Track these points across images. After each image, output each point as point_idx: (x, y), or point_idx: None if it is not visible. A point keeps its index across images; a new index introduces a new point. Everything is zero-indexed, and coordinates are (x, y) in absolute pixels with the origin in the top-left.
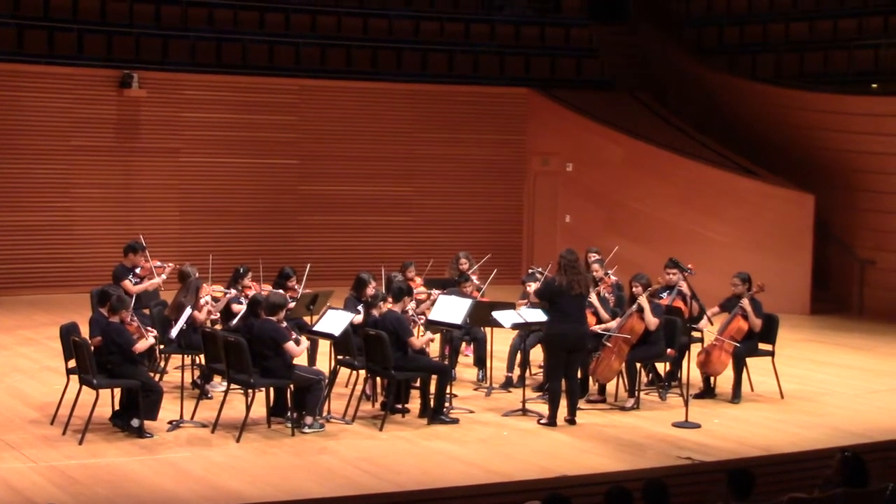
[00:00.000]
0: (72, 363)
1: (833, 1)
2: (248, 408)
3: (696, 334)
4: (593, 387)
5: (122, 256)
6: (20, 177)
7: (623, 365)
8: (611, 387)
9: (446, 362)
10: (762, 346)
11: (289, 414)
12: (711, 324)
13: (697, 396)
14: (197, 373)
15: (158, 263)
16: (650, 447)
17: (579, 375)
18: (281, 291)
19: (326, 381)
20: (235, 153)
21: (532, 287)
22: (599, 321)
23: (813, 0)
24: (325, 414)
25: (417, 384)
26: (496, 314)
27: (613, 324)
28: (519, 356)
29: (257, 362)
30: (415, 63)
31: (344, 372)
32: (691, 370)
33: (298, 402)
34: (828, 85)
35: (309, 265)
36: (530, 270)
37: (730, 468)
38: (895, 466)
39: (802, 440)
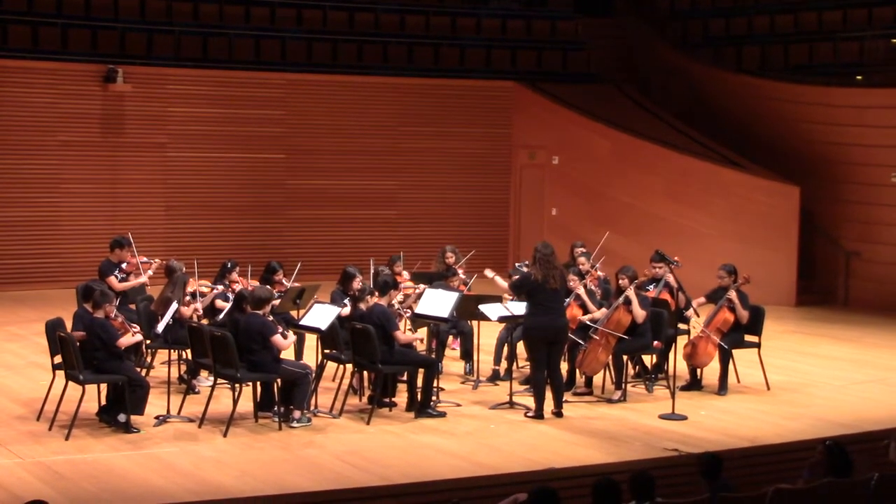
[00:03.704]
0: (58, 359)
1: None
2: (235, 402)
3: (682, 326)
4: (580, 379)
5: (109, 252)
6: (5, 172)
7: (610, 357)
8: (598, 379)
9: (433, 356)
10: (748, 337)
11: (276, 408)
12: (698, 315)
13: (684, 388)
14: (183, 368)
15: (145, 259)
16: (637, 439)
17: (566, 368)
18: (267, 287)
19: (313, 375)
20: (221, 148)
21: None
22: (587, 314)
23: None
24: (312, 408)
25: (404, 378)
26: (483, 307)
27: (599, 314)
28: (506, 349)
29: (244, 357)
30: (401, 57)
31: (331, 366)
32: (678, 362)
33: (285, 396)
34: (813, 77)
35: (299, 264)
36: (517, 264)
37: (699, 455)
38: (880, 457)
39: (788, 431)
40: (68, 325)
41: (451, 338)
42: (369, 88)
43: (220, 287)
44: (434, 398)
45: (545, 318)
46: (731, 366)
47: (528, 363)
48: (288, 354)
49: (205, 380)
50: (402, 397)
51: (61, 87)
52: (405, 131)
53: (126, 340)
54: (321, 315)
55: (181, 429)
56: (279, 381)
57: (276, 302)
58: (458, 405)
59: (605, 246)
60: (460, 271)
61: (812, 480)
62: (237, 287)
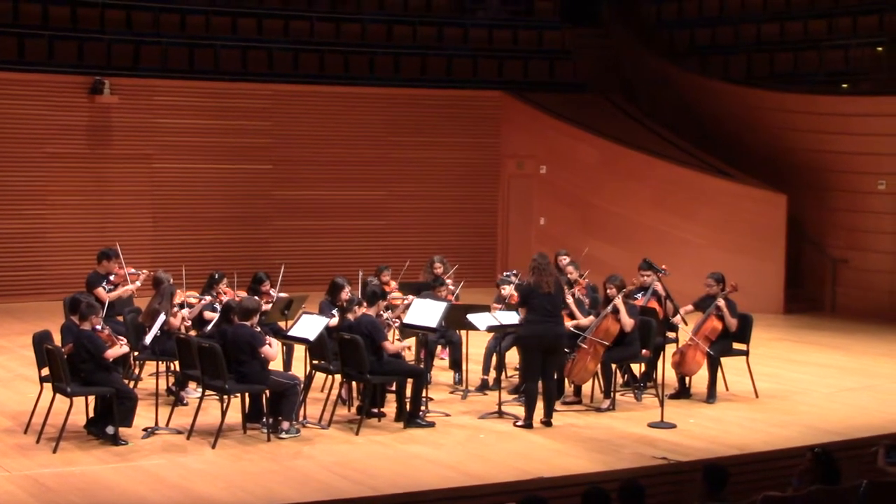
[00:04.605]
0: (45, 371)
1: (803, 2)
2: (224, 414)
3: (671, 335)
4: (569, 388)
5: (96, 263)
6: None
7: (598, 366)
8: (586, 388)
9: (422, 366)
10: (736, 345)
11: (264, 419)
12: (686, 324)
13: (673, 397)
14: (172, 379)
15: (132, 270)
16: (626, 448)
17: (555, 377)
18: (255, 297)
19: (302, 385)
20: (209, 159)
21: (506, 290)
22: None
23: (783, 1)
24: (300, 419)
25: (393, 388)
26: (471, 317)
27: (586, 321)
28: (494, 358)
29: (232, 368)
30: (388, 67)
31: (319, 376)
32: (666, 370)
33: (274, 407)
34: (799, 85)
35: (283, 266)
36: (505, 274)
37: (705, 464)
38: (869, 464)
39: (777, 439)
40: (56, 337)
41: (439, 348)
42: (356, 99)
43: (208, 298)
44: (423, 408)
45: (541, 325)
46: (719, 374)
47: (518, 372)
48: (276, 365)
49: (193, 391)
50: (390, 407)
51: (48, 98)
52: (392, 141)
53: (113, 352)
54: (309, 326)
55: (169, 441)
56: (267, 392)
57: (267, 307)
58: (447, 415)
59: (593, 255)
60: (448, 281)
61: (801, 488)
62: (224, 298)
